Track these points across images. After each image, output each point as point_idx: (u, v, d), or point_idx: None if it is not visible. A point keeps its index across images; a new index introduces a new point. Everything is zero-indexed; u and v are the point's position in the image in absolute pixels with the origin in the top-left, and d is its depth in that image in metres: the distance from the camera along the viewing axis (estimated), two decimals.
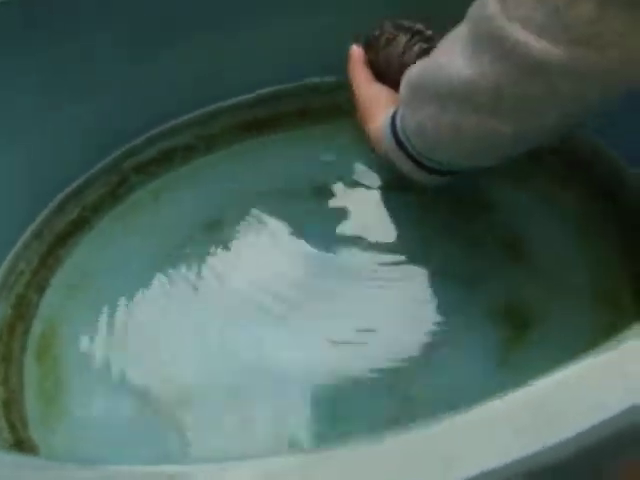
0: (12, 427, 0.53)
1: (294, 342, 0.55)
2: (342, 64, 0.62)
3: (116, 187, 0.65)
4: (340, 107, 0.66)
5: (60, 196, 0.63)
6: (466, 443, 0.30)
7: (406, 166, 0.55)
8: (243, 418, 0.52)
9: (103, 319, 0.57)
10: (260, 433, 0.51)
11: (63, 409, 0.54)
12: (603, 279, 0.56)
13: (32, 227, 0.62)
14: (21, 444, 0.52)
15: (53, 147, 0.62)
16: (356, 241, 0.60)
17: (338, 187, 0.63)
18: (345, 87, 0.61)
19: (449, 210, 0.60)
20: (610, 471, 0.32)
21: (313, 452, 0.31)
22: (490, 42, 0.43)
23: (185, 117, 0.67)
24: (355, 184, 0.63)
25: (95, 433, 0.52)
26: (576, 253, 0.57)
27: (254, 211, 0.62)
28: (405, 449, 0.29)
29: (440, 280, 0.57)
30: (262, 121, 0.67)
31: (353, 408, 0.52)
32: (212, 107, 0.67)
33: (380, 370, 0.53)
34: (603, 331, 0.52)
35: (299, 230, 0.61)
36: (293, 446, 0.50)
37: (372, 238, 0.60)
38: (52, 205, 0.63)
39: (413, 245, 0.59)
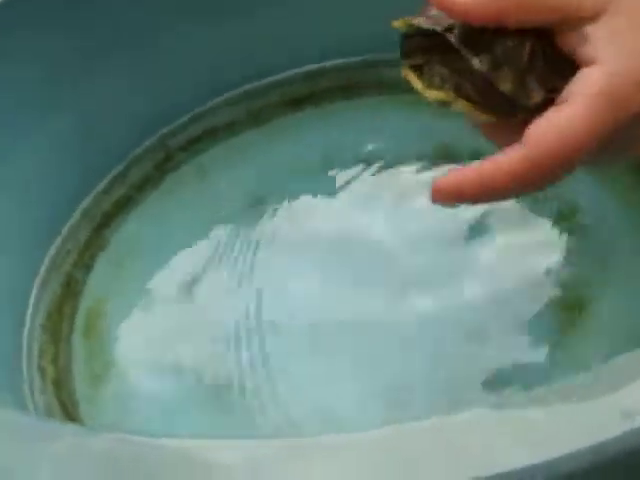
0: (63, 405, 0.53)
1: (345, 315, 0.55)
2: (387, 41, 0.61)
3: (161, 165, 0.64)
4: (384, 83, 0.65)
5: (106, 177, 0.63)
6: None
7: None
8: (290, 397, 0.52)
9: (150, 297, 0.57)
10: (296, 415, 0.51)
11: (111, 388, 0.54)
12: None
13: (80, 208, 0.62)
14: (71, 422, 0.52)
15: (95, 126, 0.62)
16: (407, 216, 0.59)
17: (386, 162, 0.62)
18: (389, 63, 0.61)
19: None
20: None
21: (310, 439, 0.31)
22: None
23: (229, 94, 0.66)
24: (404, 159, 0.62)
25: (144, 412, 0.52)
26: (630, 228, 0.56)
27: (301, 186, 0.62)
28: (401, 440, 0.29)
29: (493, 254, 0.56)
30: (306, 96, 0.67)
31: (405, 386, 0.51)
32: (257, 83, 0.67)
33: (433, 346, 0.52)
34: None
35: (347, 205, 0.60)
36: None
37: (421, 211, 0.59)
38: (99, 186, 0.63)
39: (466, 217, 0.58)
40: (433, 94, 0.40)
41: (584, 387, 0.31)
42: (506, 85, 0.38)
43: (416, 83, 0.41)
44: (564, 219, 0.57)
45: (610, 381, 0.31)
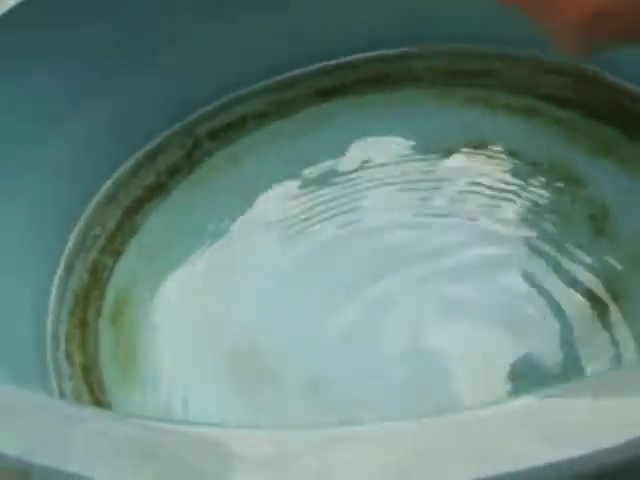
0: (91, 390, 0.53)
1: (379, 308, 0.54)
2: (418, 32, 0.62)
3: (191, 152, 0.64)
4: (416, 75, 0.65)
5: (133, 160, 0.63)
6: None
7: None
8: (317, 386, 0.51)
9: (178, 285, 0.57)
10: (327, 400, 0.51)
11: (137, 373, 0.54)
12: None
13: (106, 191, 0.62)
14: (100, 407, 0.52)
15: (125, 110, 0.62)
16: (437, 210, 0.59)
17: (417, 155, 0.62)
18: (420, 55, 0.62)
19: (532, 183, 0.59)
20: None
21: (335, 429, 0.31)
22: None
23: (258, 84, 0.66)
24: (433, 151, 0.62)
25: (172, 398, 0.52)
26: None
27: (334, 176, 0.62)
28: (429, 434, 0.29)
29: (525, 255, 0.56)
30: (336, 88, 0.66)
31: (425, 387, 0.51)
32: (286, 74, 0.67)
33: (456, 345, 0.52)
34: None
35: (375, 198, 0.60)
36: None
37: (453, 210, 0.59)
38: (125, 169, 0.63)
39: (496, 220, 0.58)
40: None
41: (613, 383, 0.31)
42: None
43: None
44: (595, 220, 0.57)
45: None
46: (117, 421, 0.33)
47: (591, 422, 0.29)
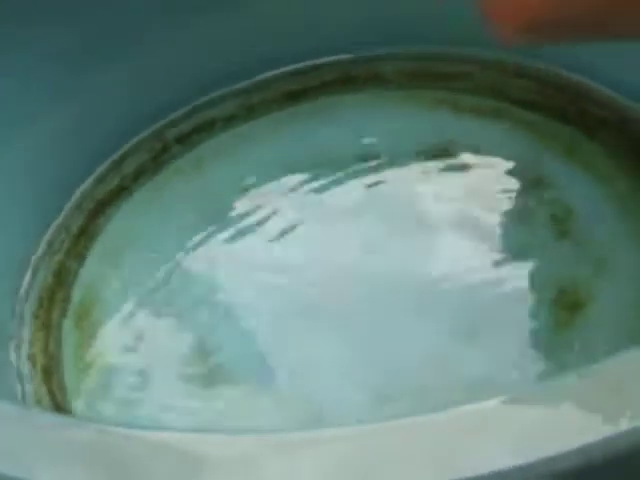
0: (52, 394, 0.53)
1: (343, 323, 0.54)
2: (387, 34, 0.62)
3: (157, 155, 0.64)
4: (384, 77, 0.65)
5: (101, 166, 0.63)
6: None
7: None
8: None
9: (143, 288, 0.57)
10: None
11: (100, 378, 0.54)
12: None
13: (74, 197, 0.62)
14: (60, 412, 0.52)
15: (93, 116, 0.62)
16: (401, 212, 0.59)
17: (384, 157, 0.61)
18: (389, 57, 0.62)
19: (497, 185, 0.59)
20: None
21: (301, 432, 0.30)
22: None
23: (226, 88, 0.66)
24: (400, 154, 0.62)
25: (133, 404, 0.52)
26: (628, 232, 0.55)
27: (296, 180, 0.61)
28: (389, 437, 0.29)
29: (487, 257, 0.55)
30: (304, 90, 0.66)
31: (397, 389, 0.51)
32: (255, 77, 0.66)
33: (422, 352, 0.52)
34: None
35: (342, 202, 0.60)
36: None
37: (416, 211, 0.58)
38: (93, 175, 0.62)
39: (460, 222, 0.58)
40: None
41: (570, 389, 0.30)
42: None
43: None
44: (558, 222, 0.57)
45: (597, 383, 0.30)
46: (74, 426, 0.33)
47: (551, 426, 0.29)
